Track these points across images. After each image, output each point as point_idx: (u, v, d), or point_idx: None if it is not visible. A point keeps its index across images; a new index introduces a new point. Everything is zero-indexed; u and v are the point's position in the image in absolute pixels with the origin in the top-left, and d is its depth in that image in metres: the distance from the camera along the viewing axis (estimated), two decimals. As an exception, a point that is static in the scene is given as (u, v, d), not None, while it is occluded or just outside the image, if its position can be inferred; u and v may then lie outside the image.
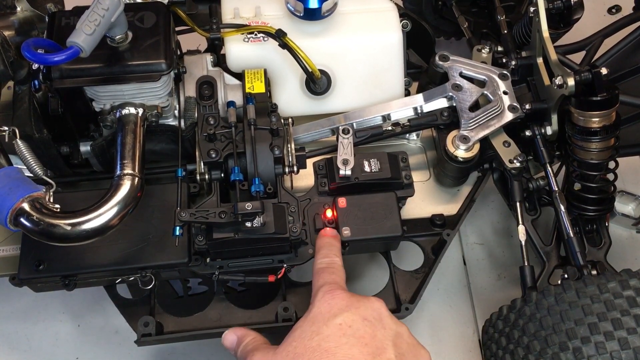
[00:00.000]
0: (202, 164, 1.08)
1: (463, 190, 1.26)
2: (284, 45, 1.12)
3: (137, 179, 0.98)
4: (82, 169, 1.19)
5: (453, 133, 1.16)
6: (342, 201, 1.09)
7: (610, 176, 1.17)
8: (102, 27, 0.95)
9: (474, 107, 1.18)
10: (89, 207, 0.94)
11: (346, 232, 1.07)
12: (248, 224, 1.00)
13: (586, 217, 1.16)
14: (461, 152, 1.14)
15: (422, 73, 1.33)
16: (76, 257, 1.05)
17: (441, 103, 1.20)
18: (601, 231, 1.18)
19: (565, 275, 1.08)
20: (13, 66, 1.08)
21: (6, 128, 1.01)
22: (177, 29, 1.18)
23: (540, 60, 1.20)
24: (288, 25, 1.15)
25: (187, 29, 1.20)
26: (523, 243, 1.13)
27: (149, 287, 1.09)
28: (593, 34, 1.30)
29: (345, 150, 1.12)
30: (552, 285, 1.00)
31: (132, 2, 1.11)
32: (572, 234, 1.10)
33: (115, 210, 0.95)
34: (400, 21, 1.21)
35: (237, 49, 1.16)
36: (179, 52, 1.18)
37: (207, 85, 1.14)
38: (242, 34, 1.16)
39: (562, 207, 1.12)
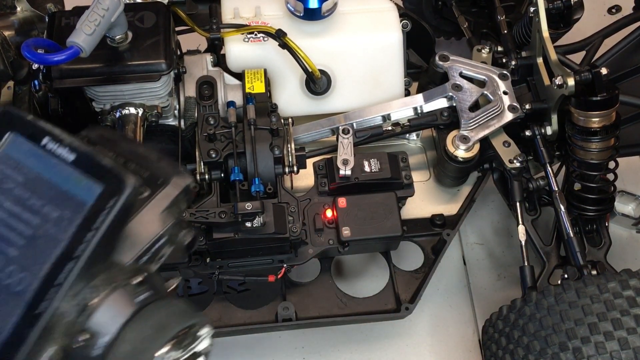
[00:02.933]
0: (202, 164, 1.08)
1: (463, 190, 1.26)
2: (284, 45, 1.12)
3: (137, 179, 0.98)
4: (82, 169, 1.18)
5: (453, 133, 1.16)
6: (342, 201, 1.09)
7: (610, 176, 1.16)
8: (102, 27, 0.95)
9: (474, 107, 1.17)
10: (89, 207, 0.94)
11: (346, 232, 1.07)
12: (248, 224, 1.00)
13: (586, 217, 1.16)
14: (461, 152, 1.14)
15: (422, 73, 1.33)
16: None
17: (441, 103, 1.19)
18: (601, 231, 1.18)
19: (565, 275, 1.08)
20: (13, 66, 1.08)
21: (6, 128, 1.01)
22: (177, 29, 1.18)
23: (540, 60, 1.20)
24: (288, 25, 1.14)
25: (187, 29, 1.20)
26: (523, 243, 1.13)
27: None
28: (593, 34, 1.30)
29: (345, 150, 1.12)
30: (552, 285, 1.00)
31: (132, 2, 1.11)
32: (572, 234, 1.10)
33: (115, 210, 0.95)
34: (400, 21, 1.21)
35: (237, 49, 1.16)
36: (179, 52, 1.18)
37: (207, 85, 1.14)
38: (242, 34, 1.16)
39: (562, 207, 1.12)
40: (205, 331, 0.52)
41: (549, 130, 1.18)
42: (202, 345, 0.53)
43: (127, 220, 0.51)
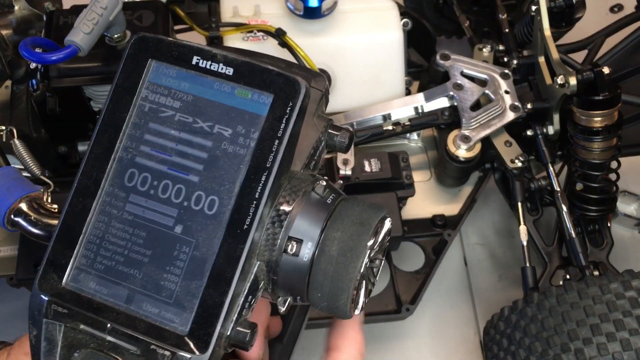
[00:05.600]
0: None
1: (464, 190, 1.25)
2: (284, 44, 1.11)
3: (135, 178, 0.98)
4: (80, 169, 1.18)
5: (454, 132, 1.15)
6: (342, 201, 1.09)
7: (613, 176, 1.16)
8: (100, 25, 0.94)
9: (475, 106, 1.17)
10: (87, 207, 0.94)
11: (346, 232, 1.07)
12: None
13: (588, 217, 1.16)
14: (462, 152, 1.14)
15: (423, 72, 1.33)
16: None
17: (442, 102, 1.19)
18: (603, 231, 1.17)
19: (567, 276, 1.07)
20: (11, 65, 1.07)
21: (4, 128, 1.00)
22: (176, 27, 1.17)
23: (542, 59, 1.19)
24: (288, 24, 1.14)
25: (186, 27, 1.19)
26: (525, 243, 1.12)
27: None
28: (595, 32, 1.29)
29: (346, 150, 1.11)
30: (553, 286, 1.00)
31: (130, 0, 1.10)
32: (574, 235, 1.09)
33: (113, 210, 0.94)
34: (401, 20, 1.21)
35: (236, 48, 1.16)
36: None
37: (206, 85, 1.13)
38: (242, 32, 1.15)
39: (564, 208, 1.11)
40: (387, 220, 0.52)
41: (550, 130, 1.17)
42: (386, 235, 0.53)
43: (302, 125, 0.49)
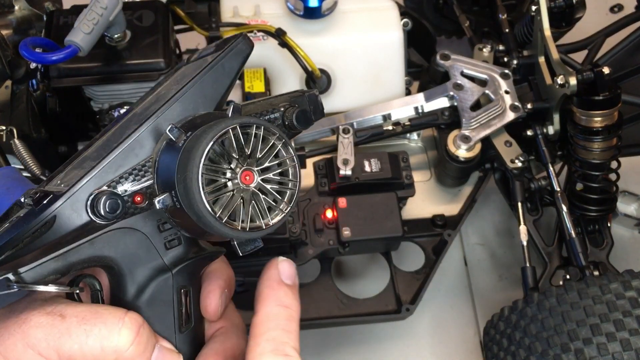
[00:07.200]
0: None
1: (464, 190, 1.25)
2: (284, 44, 1.11)
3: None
4: (80, 169, 1.18)
5: (454, 133, 1.15)
6: (342, 201, 1.09)
7: (613, 176, 1.16)
8: (100, 25, 0.94)
9: (475, 106, 1.17)
10: (87, 207, 0.94)
11: (346, 232, 1.07)
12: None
13: (588, 217, 1.16)
14: (462, 152, 1.14)
15: (423, 72, 1.33)
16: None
17: (442, 102, 1.19)
18: (603, 231, 1.17)
19: (567, 276, 1.07)
20: (11, 65, 1.07)
21: (4, 127, 1.00)
22: (176, 27, 1.17)
23: (542, 59, 1.19)
24: (288, 24, 1.14)
25: (186, 27, 1.19)
26: (525, 243, 1.12)
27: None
28: (595, 32, 1.29)
29: (346, 150, 1.11)
30: (553, 286, 1.00)
31: (130, 0, 1.10)
32: (574, 235, 1.09)
33: (113, 210, 0.94)
34: (401, 20, 1.21)
35: (236, 48, 1.16)
36: (177, 51, 1.18)
37: (206, 85, 1.13)
38: (242, 32, 1.15)
39: (564, 208, 1.11)
40: (276, 139, 0.62)
41: (550, 130, 1.17)
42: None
43: (241, 64, 0.63)
